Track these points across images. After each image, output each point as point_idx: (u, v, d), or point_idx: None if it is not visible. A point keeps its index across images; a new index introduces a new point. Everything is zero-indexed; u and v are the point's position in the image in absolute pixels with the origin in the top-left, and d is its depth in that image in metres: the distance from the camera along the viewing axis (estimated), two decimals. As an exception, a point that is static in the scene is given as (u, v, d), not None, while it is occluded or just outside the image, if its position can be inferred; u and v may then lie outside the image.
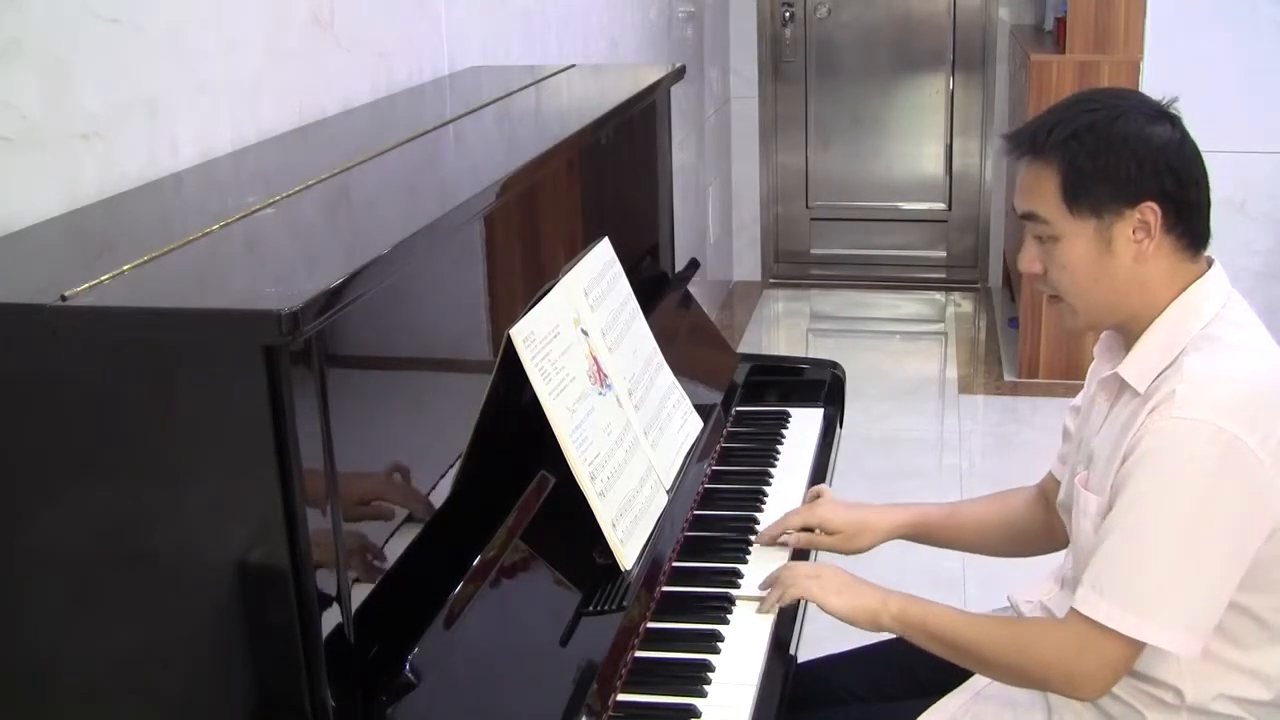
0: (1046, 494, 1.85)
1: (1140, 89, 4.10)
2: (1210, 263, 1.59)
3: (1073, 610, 1.51)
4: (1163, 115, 1.54)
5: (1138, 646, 1.49)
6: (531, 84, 2.21)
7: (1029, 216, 1.57)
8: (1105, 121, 1.52)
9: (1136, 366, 1.55)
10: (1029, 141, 1.55)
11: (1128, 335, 1.59)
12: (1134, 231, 1.52)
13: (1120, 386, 1.58)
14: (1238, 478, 1.44)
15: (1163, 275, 1.54)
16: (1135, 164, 1.50)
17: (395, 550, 1.32)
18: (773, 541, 1.87)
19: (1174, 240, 1.53)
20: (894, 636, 1.70)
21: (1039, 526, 1.86)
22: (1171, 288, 1.55)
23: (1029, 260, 1.59)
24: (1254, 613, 1.53)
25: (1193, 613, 1.47)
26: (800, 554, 1.86)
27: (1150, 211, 1.51)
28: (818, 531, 1.88)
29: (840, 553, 1.88)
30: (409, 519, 1.36)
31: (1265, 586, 1.51)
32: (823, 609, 1.67)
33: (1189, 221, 1.53)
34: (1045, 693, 1.65)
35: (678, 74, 2.36)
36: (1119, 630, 1.47)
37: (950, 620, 1.62)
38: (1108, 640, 1.48)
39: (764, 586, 1.72)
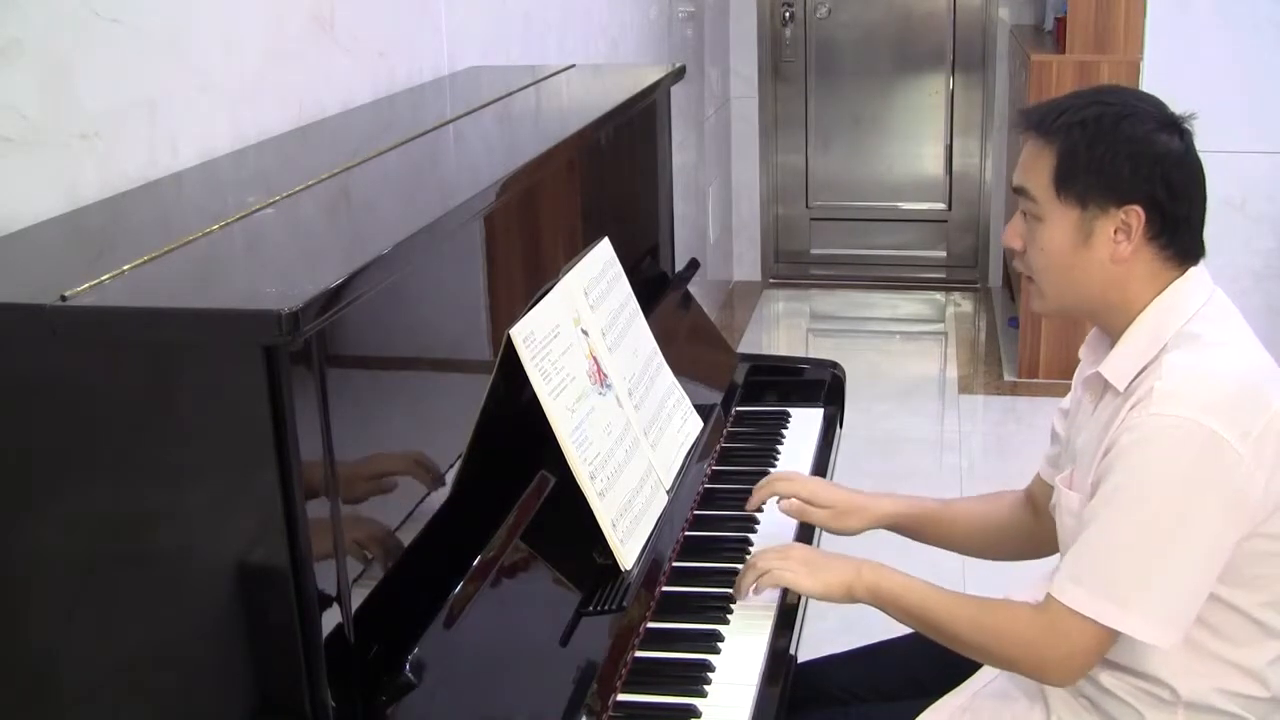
0: (1033, 498, 1.85)
1: (1140, 89, 4.11)
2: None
3: (1049, 596, 1.52)
4: (1173, 126, 1.54)
5: (1111, 635, 1.50)
6: (531, 84, 2.21)
7: (1020, 191, 1.58)
8: (1112, 117, 1.52)
9: (1117, 365, 1.55)
10: (1037, 120, 1.57)
11: (1110, 333, 1.60)
12: (1115, 231, 1.52)
13: (1103, 386, 1.58)
14: (1216, 473, 1.45)
15: (1141, 278, 1.55)
16: (1130, 165, 1.51)
17: (395, 550, 1.32)
18: (759, 505, 1.88)
19: (1157, 249, 1.54)
20: (894, 636, 1.70)
21: (1023, 531, 1.86)
22: (1150, 290, 1.55)
23: (1012, 235, 1.61)
24: (1242, 609, 1.53)
25: (1168, 605, 1.47)
26: (803, 534, 1.86)
27: (1134, 215, 1.51)
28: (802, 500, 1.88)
29: (830, 529, 1.88)
30: (409, 519, 1.36)
31: (1251, 583, 1.52)
32: (796, 590, 1.67)
33: (1174, 234, 1.53)
34: (1044, 692, 1.65)
35: (678, 74, 2.36)
36: (1094, 618, 1.48)
37: (924, 596, 1.61)
38: (1081, 627, 1.49)
39: (736, 590, 1.71)
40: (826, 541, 1.95)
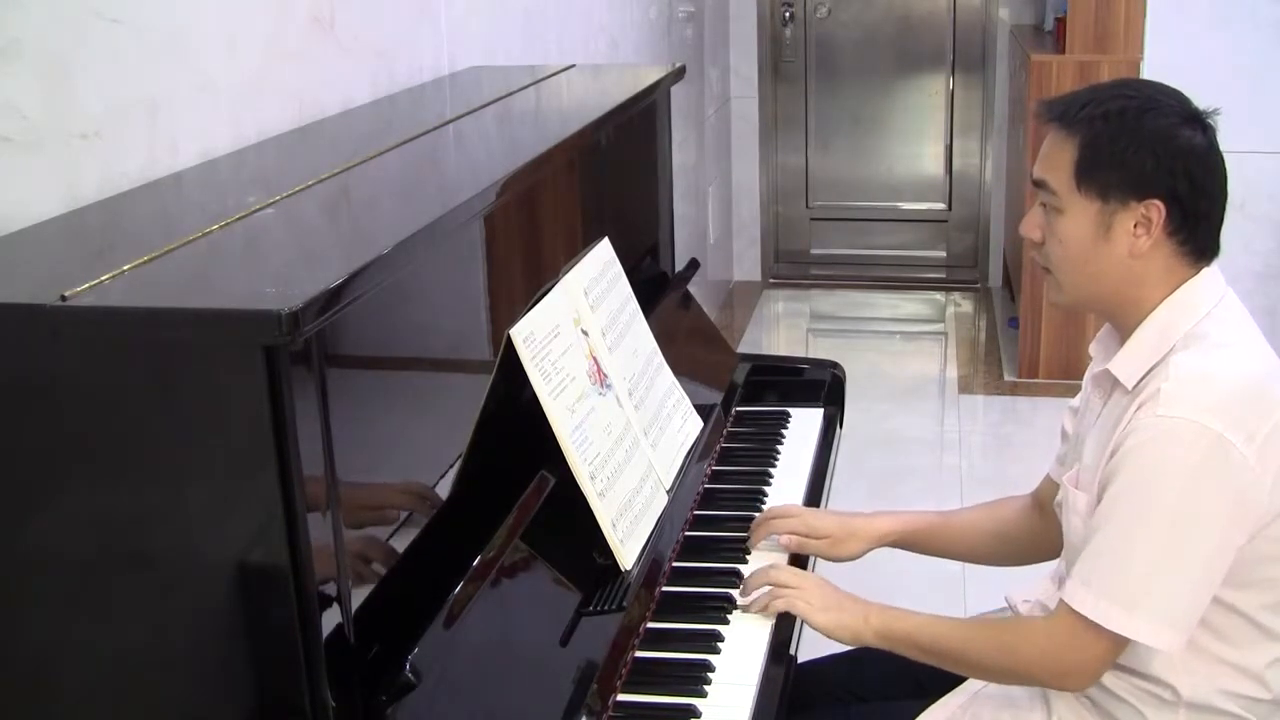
0: (1042, 500, 1.85)
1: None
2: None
3: (1061, 603, 1.52)
4: (1196, 120, 1.53)
5: (1123, 640, 1.50)
6: (531, 84, 2.21)
7: (1040, 184, 1.57)
8: (1136, 111, 1.52)
9: (1127, 363, 1.55)
10: (1060, 112, 1.56)
11: (1119, 328, 1.60)
12: (1135, 225, 1.52)
13: (1112, 384, 1.58)
14: (1221, 475, 1.45)
15: (1157, 274, 1.54)
16: (1152, 159, 1.50)
17: (395, 550, 1.32)
18: (757, 546, 1.87)
19: (1175, 245, 1.53)
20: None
21: (1031, 535, 1.86)
22: (1164, 287, 1.55)
23: (1031, 226, 1.60)
24: (1243, 611, 1.53)
25: (1175, 608, 1.47)
26: (797, 559, 1.86)
27: (1155, 209, 1.51)
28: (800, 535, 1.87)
29: (828, 558, 1.87)
30: (409, 519, 1.36)
31: (1253, 584, 1.52)
32: (805, 620, 1.67)
33: (1193, 229, 1.53)
34: (1045, 692, 1.65)
35: (678, 74, 2.36)
36: (1100, 623, 1.48)
37: (935, 631, 1.62)
38: (1094, 634, 1.49)
39: (745, 590, 1.71)
40: (824, 566, 1.93)
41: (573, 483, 1.58)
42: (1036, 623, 1.60)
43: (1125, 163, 1.50)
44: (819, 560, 1.90)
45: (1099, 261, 1.55)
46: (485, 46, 2.56)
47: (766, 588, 1.69)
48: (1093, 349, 1.69)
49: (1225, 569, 1.49)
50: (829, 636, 1.67)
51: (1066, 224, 1.55)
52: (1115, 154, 1.51)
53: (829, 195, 5.84)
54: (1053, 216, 1.57)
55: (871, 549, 1.89)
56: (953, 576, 3.04)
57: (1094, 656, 1.51)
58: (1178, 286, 1.55)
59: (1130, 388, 1.54)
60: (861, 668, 1.88)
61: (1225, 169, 1.55)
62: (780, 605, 1.66)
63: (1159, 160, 1.50)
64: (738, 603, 1.70)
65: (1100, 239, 1.53)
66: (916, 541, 1.91)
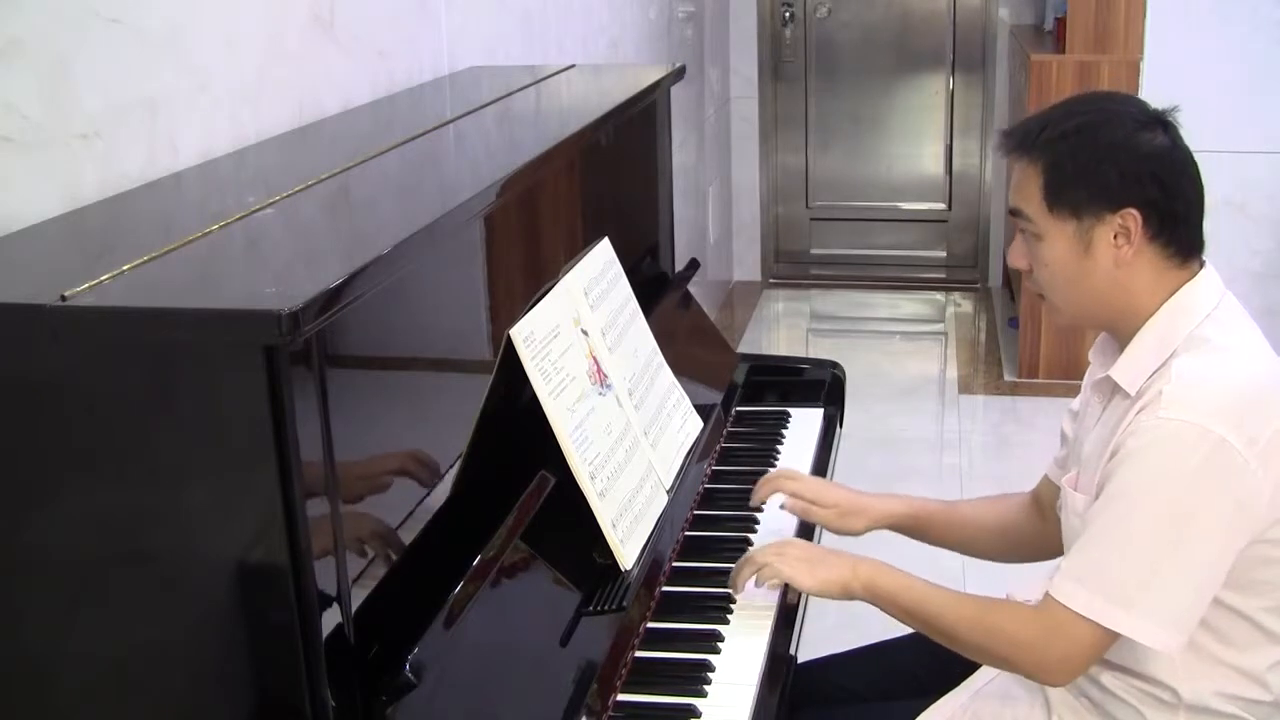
0: (1040, 500, 1.85)
1: (1140, 89, 4.10)
2: (1202, 264, 1.59)
3: (1048, 596, 1.52)
4: (1156, 122, 1.54)
5: (1110, 637, 1.49)
6: (531, 84, 2.21)
7: (1016, 213, 1.58)
8: (1092, 126, 1.53)
9: (1128, 369, 1.55)
10: (1018, 140, 1.57)
11: (1119, 337, 1.60)
12: (1114, 237, 1.52)
13: (1113, 389, 1.58)
14: (1222, 478, 1.45)
15: (1146, 281, 1.54)
16: (1115, 170, 1.51)
17: (396, 550, 1.32)
18: (762, 501, 1.90)
19: (1159, 249, 1.53)
20: (895, 635, 1.70)
21: (1032, 533, 1.86)
22: (1158, 292, 1.55)
23: (1016, 256, 1.61)
24: (1244, 613, 1.53)
25: (1172, 609, 1.47)
26: (805, 537, 1.86)
27: (1131, 218, 1.51)
28: (806, 500, 1.88)
29: (833, 529, 1.89)
30: (409, 519, 1.36)
31: (1253, 588, 1.52)
32: (793, 585, 1.67)
33: (1173, 231, 1.53)
34: (1045, 692, 1.65)
35: (678, 74, 2.36)
36: (1096, 620, 1.48)
37: (921, 595, 1.61)
38: (1081, 628, 1.49)
39: (733, 585, 1.71)
40: (828, 539, 1.95)
41: (573, 483, 1.58)
42: (1024, 611, 1.58)
43: (1090, 179, 1.51)
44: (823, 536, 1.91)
45: (1087, 278, 1.55)
46: (485, 46, 2.56)
47: (751, 578, 1.68)
48: (1091, 355, 1.70)
49: (1224, 572, 1.48)
50: (819, 595, 1.66)
51: (1048, 248, 1.56)
52: (1078, 172, 1.51)
53: (829, 195, 5.84)
54: (1034, 243, 1.57)
55: (876, 528, 1.90)
56: (953, 574, 3.04)
57: (1077, 652, 1.50)
58: (1173, 290, 1.55)
59: (1132, 393, 1.54)
60: (861, 667, 1.89)
61: (1194, 164, 1.55)
62: (768, 575, 1.66)
63: (1123, 170, 1.51)
64: (733, 596, 1.70)
65: (1083, 256, 1.54)
66: (920, 528, 1.91)
